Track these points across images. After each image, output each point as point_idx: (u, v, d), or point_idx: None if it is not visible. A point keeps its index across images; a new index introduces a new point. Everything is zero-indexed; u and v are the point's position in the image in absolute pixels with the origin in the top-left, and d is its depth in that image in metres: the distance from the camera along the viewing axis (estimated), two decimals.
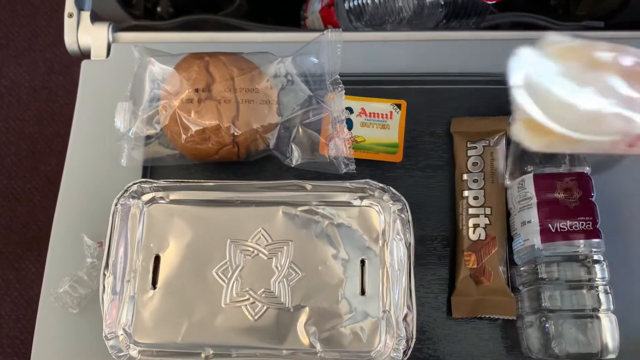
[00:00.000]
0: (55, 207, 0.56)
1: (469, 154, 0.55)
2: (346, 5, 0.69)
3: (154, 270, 0.50)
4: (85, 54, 0.62)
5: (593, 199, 0.50)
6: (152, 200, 0.52)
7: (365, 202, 0.51)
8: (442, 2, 0.68)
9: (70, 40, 0.62)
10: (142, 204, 0.51)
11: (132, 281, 0.49)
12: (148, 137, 0.54)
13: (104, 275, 0.49)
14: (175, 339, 0.48)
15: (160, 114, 0.52)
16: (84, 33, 0.62)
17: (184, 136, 0.50)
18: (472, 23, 0.71)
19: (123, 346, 0.48)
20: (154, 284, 0.49)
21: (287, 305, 0.48)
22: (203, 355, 0.48)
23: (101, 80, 0.60)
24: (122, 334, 0.48)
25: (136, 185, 0.51)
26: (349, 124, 0.55)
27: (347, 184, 0.51)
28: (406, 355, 0.47)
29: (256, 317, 0.48)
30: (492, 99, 0.58)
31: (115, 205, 0.50)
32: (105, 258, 0.49)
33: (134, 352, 0.48)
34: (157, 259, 0.50)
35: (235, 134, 0.50)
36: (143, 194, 0.52)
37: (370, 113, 0.56)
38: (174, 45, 0.60)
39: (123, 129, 0.53)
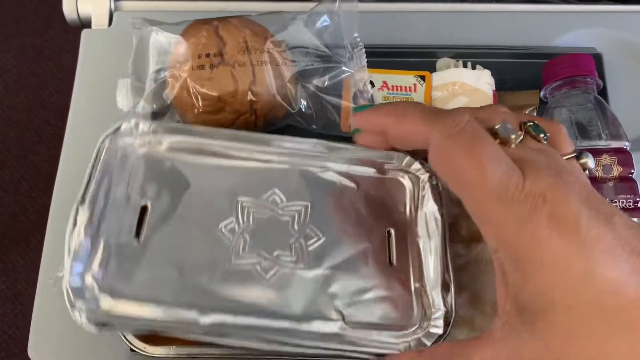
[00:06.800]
0: (44, 197, 0.52)
1: None
2: None
3: (140, 220, 0.40)
4: (85, 24, 0.58)
5: (633, 176, 0.47)
6: (148, 144, 0.43)
7: (393, 168, 0.46)
8: None
9: (69, 8, 0.58)
10: (136, 145, 0.43)
11: (113, 227, 0.40)
12: (154, 115, 0.50)
13: (76, 211, 0.39)
14: (165, 300, 0.38)
15: (169, 86, 0.48)
16: (84, 0, 0.58)
17: (197, 107, 0.46)
18: None
19: (89, 294, 0.38)
20: (138, 234, 0.40)
21: (306, 271, 0.41)
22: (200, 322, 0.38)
23: (103, 50, 0.56)
24: (91, 282, 0.38)
25: (132, 123, 0.43)
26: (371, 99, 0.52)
27: None
28: (447, 331, 0.40)
29: (270, 281, 0.40)
30: (520, 73, 0.55)
31: (102, 142, 0.42)
32: (82, 191, 0.39)
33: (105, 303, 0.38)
34: (145, 208, 0.41)
35: (254, 100, 0.47)
36: (139, 135, 0.43)
37: (393, 86, 0.52)
38: (181, 14, 0.56)
39: (126, 107, 0.49)
